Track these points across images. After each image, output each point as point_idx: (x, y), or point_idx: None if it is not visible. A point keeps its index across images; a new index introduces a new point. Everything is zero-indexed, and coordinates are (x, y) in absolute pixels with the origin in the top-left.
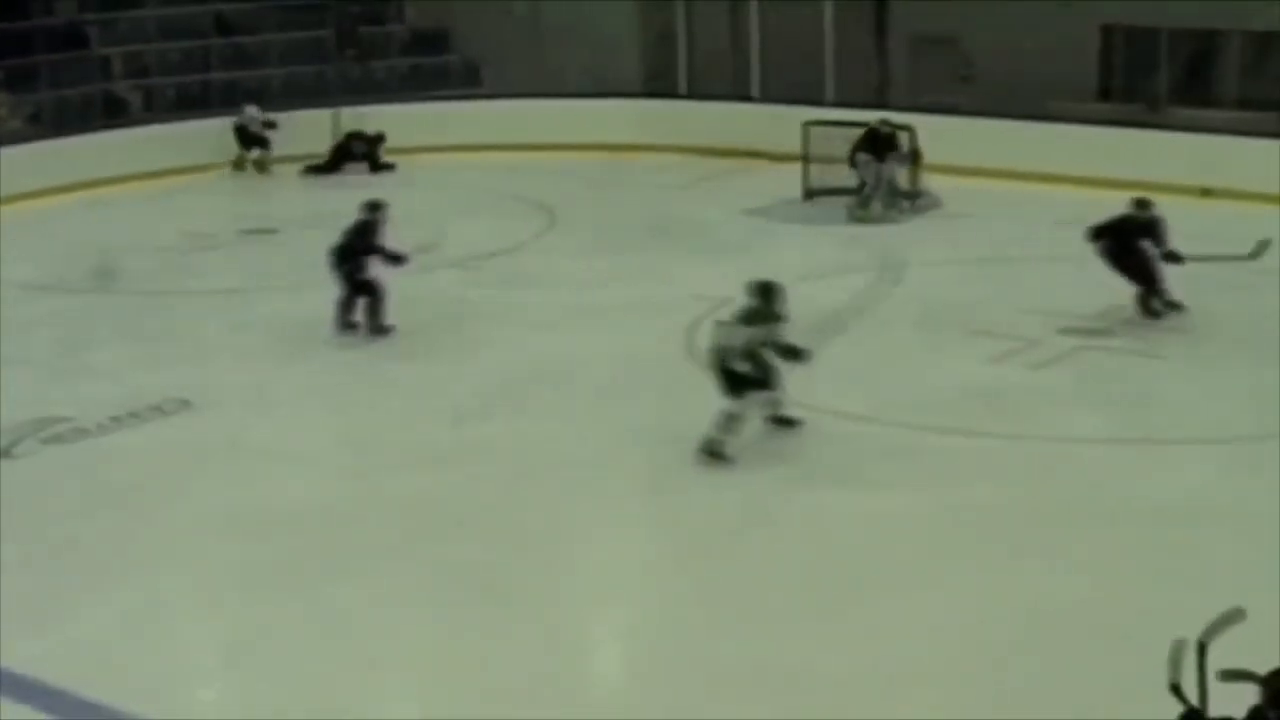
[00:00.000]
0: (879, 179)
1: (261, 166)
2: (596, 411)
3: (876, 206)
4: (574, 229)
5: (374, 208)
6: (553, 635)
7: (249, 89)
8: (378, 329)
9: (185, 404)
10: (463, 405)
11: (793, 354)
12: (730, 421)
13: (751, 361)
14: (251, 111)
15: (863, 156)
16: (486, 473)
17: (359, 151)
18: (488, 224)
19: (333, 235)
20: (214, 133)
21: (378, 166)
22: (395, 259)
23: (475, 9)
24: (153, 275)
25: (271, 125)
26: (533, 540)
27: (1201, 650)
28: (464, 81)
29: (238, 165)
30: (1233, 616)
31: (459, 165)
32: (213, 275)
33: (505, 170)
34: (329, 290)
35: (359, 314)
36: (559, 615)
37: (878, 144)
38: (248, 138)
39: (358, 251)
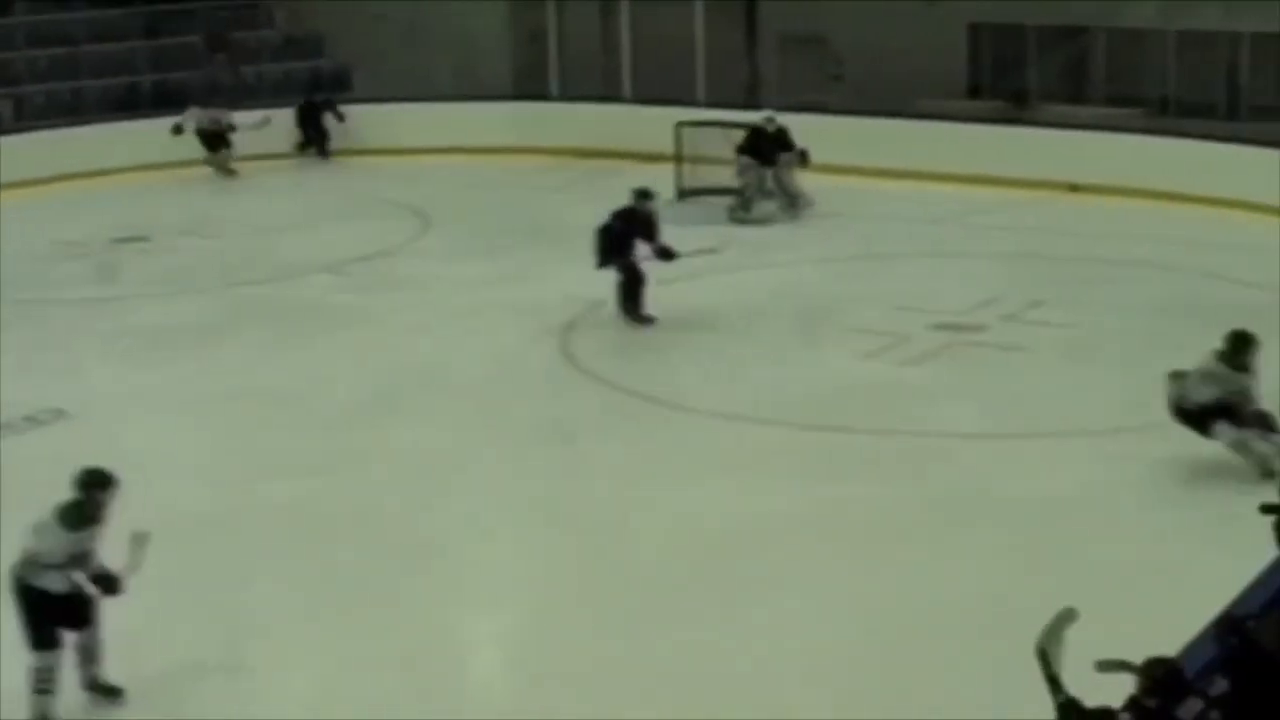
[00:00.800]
0: (761, 182)
1: (224, 168)
2: (472, 413)
3: (763, 207)
4: (447, 232)
5: (644, 196)
6: (435, 638)
7: (119, 96)
8: (640, 318)
9: (60, 413)
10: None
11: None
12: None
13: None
14: (195, 112)
15: (744, 160)
16: (363, 477)
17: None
18: (361, 228)
19: (205, 242)
20: (85, 140)
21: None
22: (665, 253)
23: (346, 13)
24: (24, 284)
25: (232, 128)
26: (412, 544)
27: (1043, 657)
28: (336, 86)
29: (219, 167)
30: (1066, 618)
31: (331, 169)
32: (85, 284)
33: (378, 174)
34: (202, 297)
35: (630, 302)
36: (440, 618)
37: (762, 144)
38: (210, 138)
39: (629, 238)
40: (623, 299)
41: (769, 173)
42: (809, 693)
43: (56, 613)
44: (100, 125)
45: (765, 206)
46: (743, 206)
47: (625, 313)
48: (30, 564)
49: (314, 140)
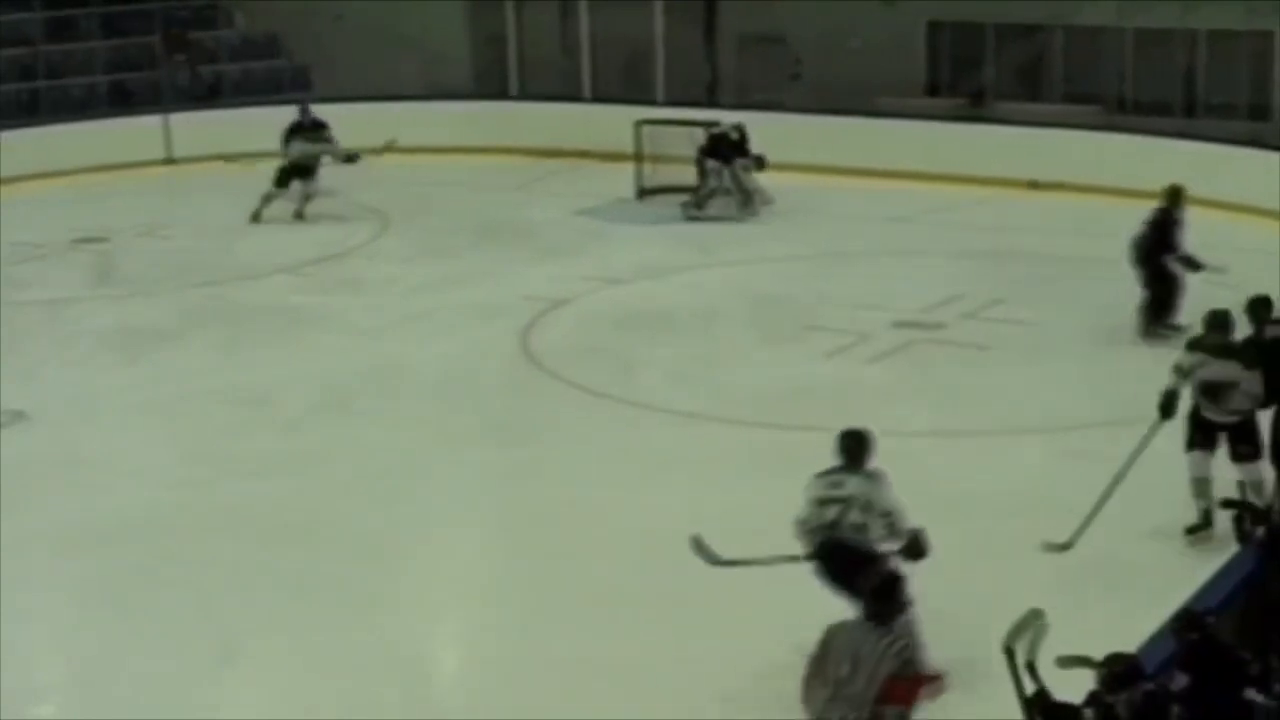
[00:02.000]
0: (735, 181)
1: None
2: (433, 414)
3: (718, 204)
4: (406, 232)
5: (1176, 195)
6: (396, 639)
7: (77, 96)
8: (1169, 327)
9: (19, 415)
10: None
11: None
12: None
13: None
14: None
15: (711, 163)
16: (321, 479)
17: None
18: (319, 229)
19: (163, 244)
20: (42, 141)
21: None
22: (1192, 264)
23: (304, 14)
24: None
25: (353, 159)
26: (370, 545)
27: (1009, 654)
28: (294, 86)
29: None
30: (1032, 618)
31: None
32: (42, 285)
33: (337, 174)
34: (160, 299)
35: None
36: (401, 620)
37: (722, 147)
38: (296, 171)
39: (1160, 249)
40: (1155, 308)
41: (725, 171)
42: (765, 689)
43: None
44: (58, 126)
45: (720, 204)
46: (696, 204)
47: (1153, 321)
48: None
49: None
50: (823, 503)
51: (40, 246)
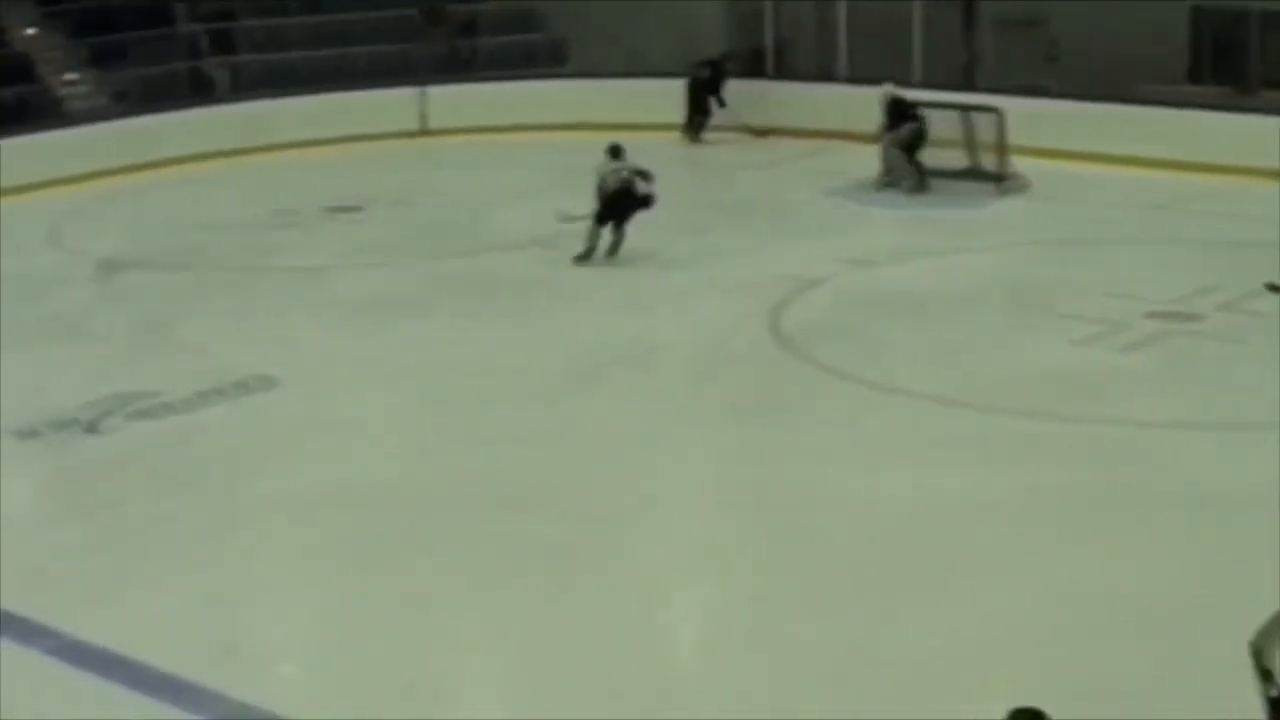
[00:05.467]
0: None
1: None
2: (677, 391)
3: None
4: (659, 208)
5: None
6: (628, 614)
7: (334, 67)
8: None
9: (270, 380)
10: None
11: None
12: None
13: None
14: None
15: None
16: (564, 451)
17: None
18: (573, 202)
19: (415, 213)
20: (300, 110)
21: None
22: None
23: None
24: (237, 252)
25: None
26: (611, 518)
27: (1257, 654)
28: (551, 60)
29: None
30: None
31: (545, 144)
32: (297, 252)
33: (591, 149)
34: (411, 268)
35: None
36: (634, 594)
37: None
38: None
39: None
40: None
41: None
42: (997, 679)
43: None
44: (316, 96)
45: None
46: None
47: None
48: None
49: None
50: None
51: (296, 214)
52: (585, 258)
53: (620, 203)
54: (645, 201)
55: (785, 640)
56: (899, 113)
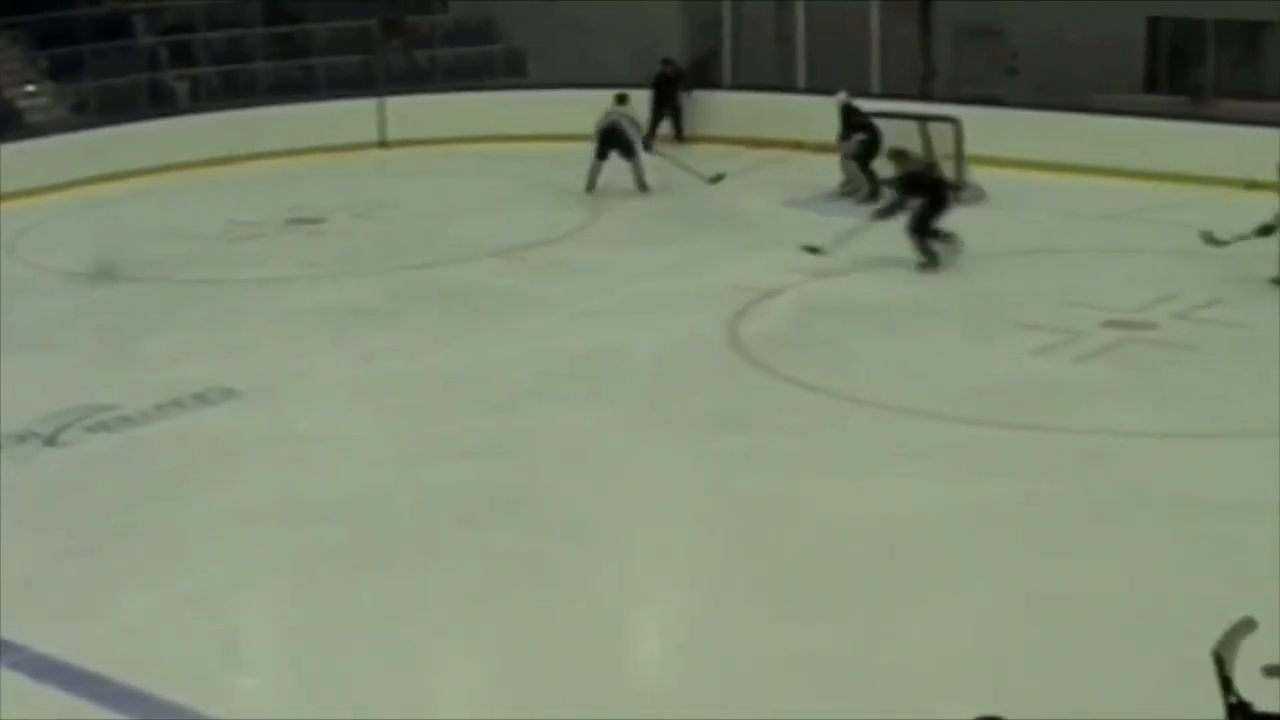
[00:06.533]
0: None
1: None
2: (640, 401)
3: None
4: (617, 219)
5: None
6: (598, 624)
7: (294, 78)
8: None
9: (231, 393)
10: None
11: None
12: None
13: None
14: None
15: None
16: (530, 462)
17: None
18: (532, 213)
19: (377, 225)
20: (258, 122)
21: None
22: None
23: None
24: (198, 264)
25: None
26: (576, 531)
27: (1219, 662)
28: (509, 71)
29: None
30: (1245, 626)
31: (504, 155)
32: (258, 264)
33: (550, 160)
34: (373, 279)
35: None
36: (604, 604)
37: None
38: None
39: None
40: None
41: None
42: (965, 691)
43: None
44: (275, 108)
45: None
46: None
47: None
48: None
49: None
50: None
51: (256, 226)
52: (589, 189)
53: (606, 139)
54: (624, 145)
55: (757, 651)
56: (850, 123)
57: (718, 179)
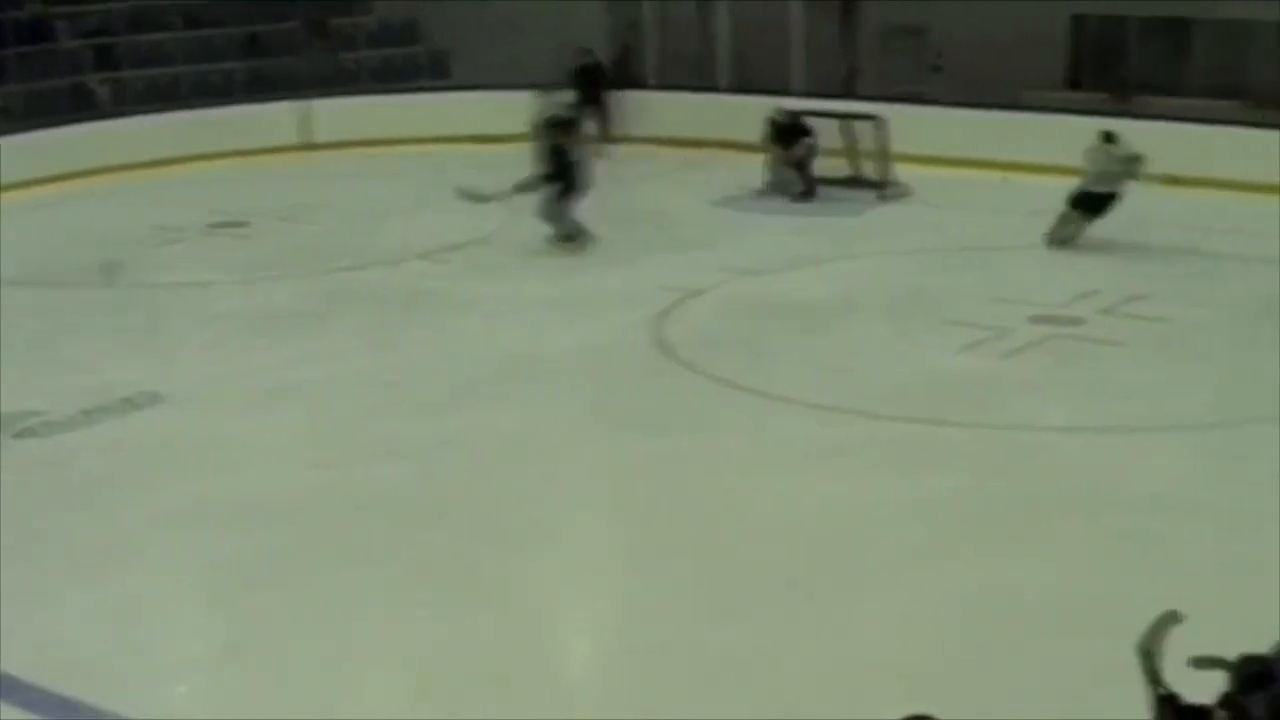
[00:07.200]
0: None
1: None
2: (567, 402)
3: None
4: (540, 224)
5: None
6: (527, 626)
7: (217, 81)
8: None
9: (156, 397)
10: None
11: None
12: None
13: None
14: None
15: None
16: (457, 464)
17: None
18: (458, 216)
19: (303, 228)
20: (182, 126)
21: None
22: None
23: (443, 2)
24: (123, 269)
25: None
26: (506, 531)
27: (1145, 656)
28: (432, 73)
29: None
30: (1169, 619)
31: (429, 156)
32: (183, 268)
33: (475, 162)
34: (298, 282)
35: None
36: (533, 606)
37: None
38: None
39: None
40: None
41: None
42: (896, 689)
43: None
44: (198, 111)
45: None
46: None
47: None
48: None
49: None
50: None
51: (181, 230)
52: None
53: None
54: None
55: (685, 650)
56: (792, 131)
57: (484, 199)
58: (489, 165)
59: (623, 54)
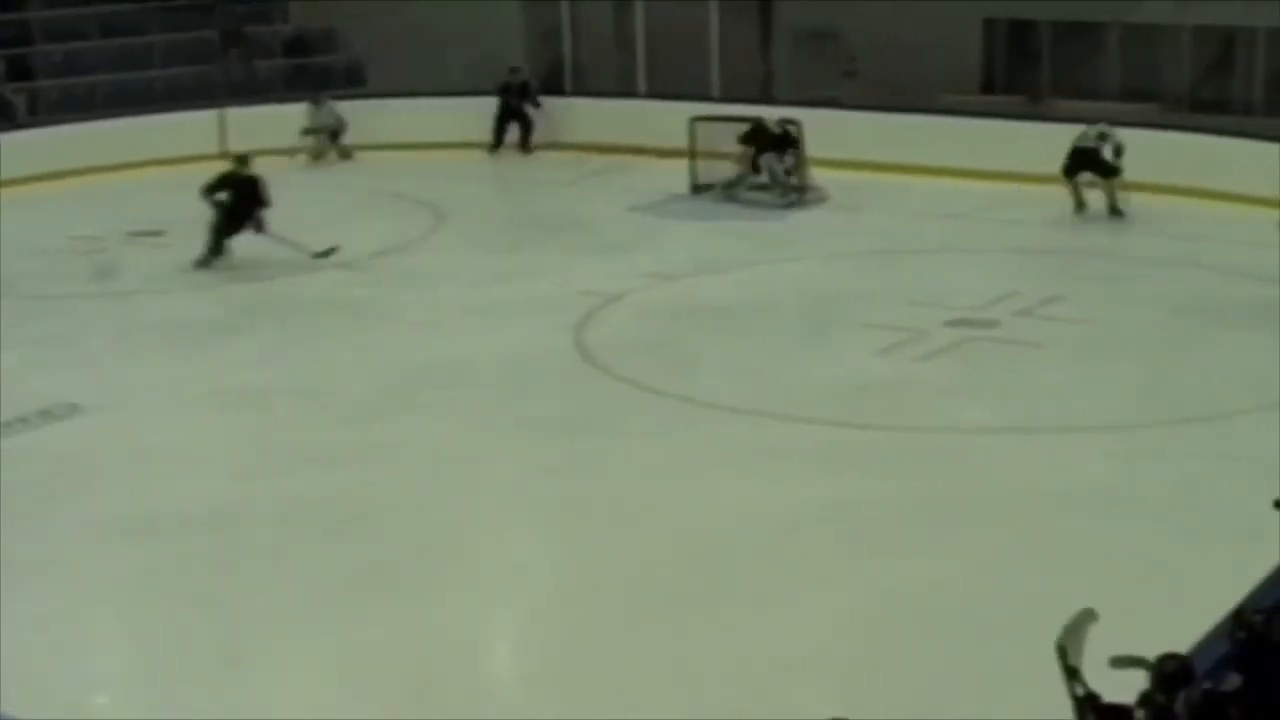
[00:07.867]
0: (770, 174)
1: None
2: (487, 409)
3: (757, 195)
4: (461, 227)
5: None
6: (450, 633)
7: (133, 90)
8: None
9: (74, 408)
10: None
11: None
12: None
13: None
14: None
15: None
16: (379, 472)
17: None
18: (376, 224)
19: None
20: (97, 135)
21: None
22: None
23: (359, 9)
24: (39, 279)
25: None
26: (426, 538)
27: (1063, 654)
28: (349, 81)
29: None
30: (1086, 617)
31: (346, 165)
32: (102, 279)
33: (392, 169)
34: (217, 292)
35: None
36: (455, 613)
37: (759, 139)
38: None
39: None
40: None
41: (762, 160)
42: (819, 691)
43: None
44: (114, 120)
45: (757, 195)
46: (727, 188)
47: None
48: None
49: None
50: None
51: (98, 240)
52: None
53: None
54: None
55: (610, 653)
56: (783, 140)
57: (328, 253)
58: (406, 172)
59: (551, 67)
